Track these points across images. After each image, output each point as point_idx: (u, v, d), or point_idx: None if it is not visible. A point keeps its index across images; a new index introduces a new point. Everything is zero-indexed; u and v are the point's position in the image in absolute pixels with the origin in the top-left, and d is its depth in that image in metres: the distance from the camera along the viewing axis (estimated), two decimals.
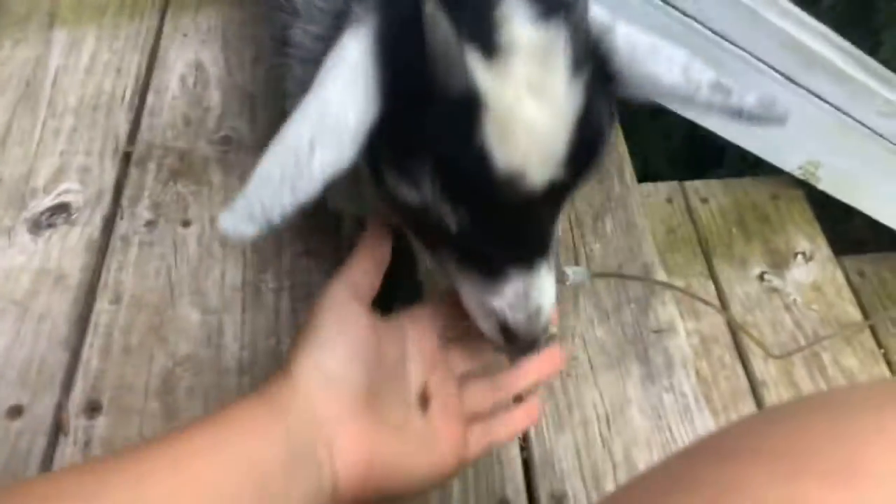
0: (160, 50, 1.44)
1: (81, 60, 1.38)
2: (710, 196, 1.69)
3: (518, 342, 0.63)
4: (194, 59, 1.41)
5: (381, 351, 0.63)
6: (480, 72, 0.51)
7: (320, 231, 1.18)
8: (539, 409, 0.75)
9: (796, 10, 1.45)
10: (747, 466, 0.39)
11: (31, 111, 1.31)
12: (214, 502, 0.46)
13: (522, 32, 0.52)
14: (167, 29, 1.48)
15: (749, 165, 1.75)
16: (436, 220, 0.56)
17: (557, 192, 0.57)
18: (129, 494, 0.43)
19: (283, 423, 0.52)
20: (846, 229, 1.83)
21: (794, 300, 1.54)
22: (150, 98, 1.36)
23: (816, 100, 1.48)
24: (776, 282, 1.56)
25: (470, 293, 0.64)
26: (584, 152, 0.56)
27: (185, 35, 1.47)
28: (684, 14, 1.37)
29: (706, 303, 1.45)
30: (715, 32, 1.39)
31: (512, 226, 0.58)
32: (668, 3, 1.35)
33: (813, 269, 1.59)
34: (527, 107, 0.52)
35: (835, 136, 1.54)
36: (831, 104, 1.49)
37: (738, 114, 0.59)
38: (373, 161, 0.57)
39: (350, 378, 0.57)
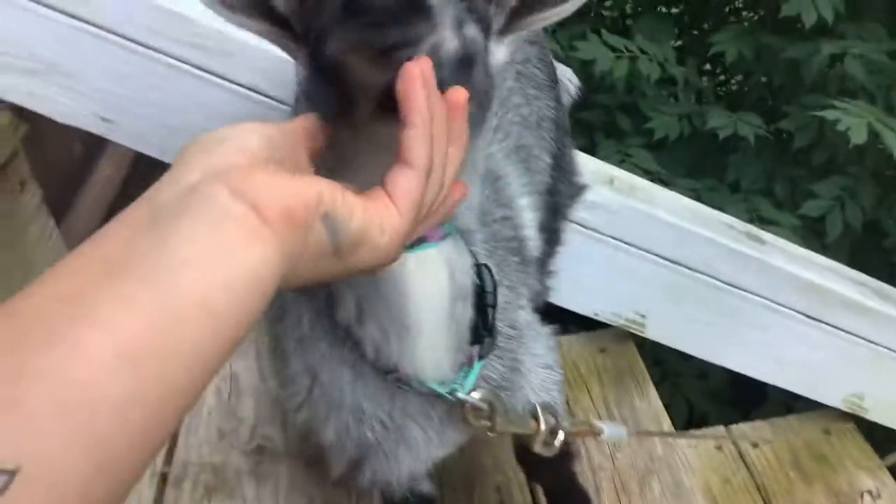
0: None
1: None
2: (760, 439, 1.63)
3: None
4: (229, 370, 1.45)
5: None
6: None
7: None
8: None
9: (803, 252, 1.49)
10: None
11: None
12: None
13: None
14: None
15: (794, 397, 1.70)
16: None
17: None
18: None
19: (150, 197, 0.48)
20: None
21: None
22: (186, 417, 1.38)
23: (843, 333, 1.47)
24: None
25: None
26: None
27: None
28: (693, 270, 1.41)
29: None
30: (729, 284, 1.42)
31: None
32: (677, 263, 1.40)
33: None
34: None
35: (870, 365, 1.51)
36: (858, 336, 1.47)
37: None
38: None
39: (251, 139, 0.52)
